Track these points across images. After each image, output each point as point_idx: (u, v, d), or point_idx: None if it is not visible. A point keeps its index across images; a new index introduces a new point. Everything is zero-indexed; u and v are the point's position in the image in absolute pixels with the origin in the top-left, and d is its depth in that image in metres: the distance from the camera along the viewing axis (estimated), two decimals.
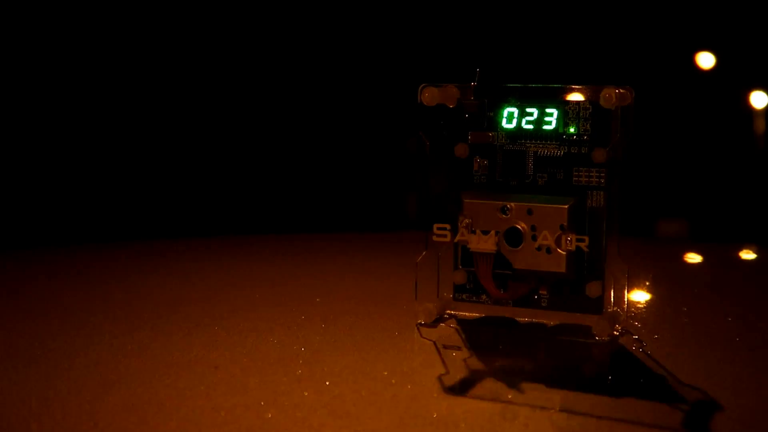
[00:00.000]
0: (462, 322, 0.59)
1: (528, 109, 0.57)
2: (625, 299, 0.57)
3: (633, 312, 0.62)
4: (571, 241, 0.54)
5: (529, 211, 0.55)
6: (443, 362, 0.52)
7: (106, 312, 0.64)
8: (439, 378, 0.49)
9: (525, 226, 0.55)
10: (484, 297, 0.59)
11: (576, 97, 0.56)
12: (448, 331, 0.58)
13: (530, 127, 0.57)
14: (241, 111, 1.41)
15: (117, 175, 1.33)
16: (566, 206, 0.55)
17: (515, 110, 0.58)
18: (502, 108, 0.58)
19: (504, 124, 0.58)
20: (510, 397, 0.47)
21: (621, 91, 0.54)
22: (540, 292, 0.58)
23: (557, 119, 0.57)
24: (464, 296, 0.60)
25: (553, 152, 0.57)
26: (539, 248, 0.55)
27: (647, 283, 0.74)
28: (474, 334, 0.58)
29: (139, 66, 1.35)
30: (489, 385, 0.49)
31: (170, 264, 0.84)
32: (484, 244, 0.55)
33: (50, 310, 0.65)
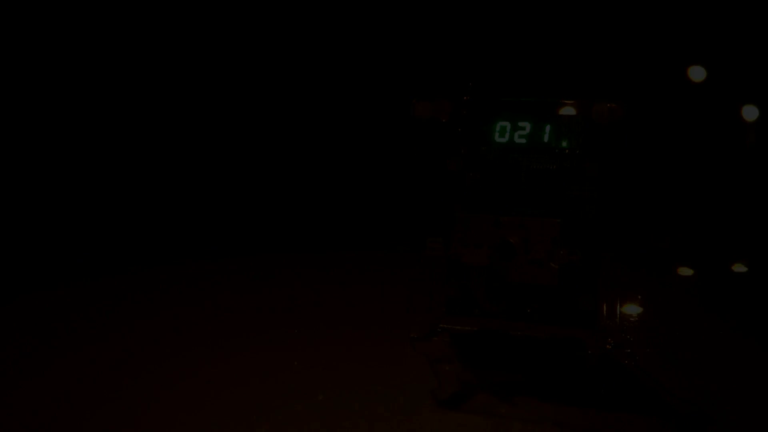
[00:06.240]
0: (455, 336, 0.59)
1: (521, 124, 0.57)
2: (618, 313, 0.57)
3: (625, 325, 0.62)
4: (563, 254, 0.54)
5: (522, 225, 0.55)
6: (436, 376, 0.52)
7: (97, 333, 0.64)
8: (432, 391, 0.49)
9: (517, 240, 0.55)
10: (476, 310, 0.59)
11: (568, 111, 0.56)
12: (440, 344, 0.58)
13: (523, 141, 0.58)
14: (229, 127, 1.42)
15: (98, 198, 1.33)
16: (558, 220, 0.55)
17: (508, 124, 0.58)
18: (495, 122, 0.58)
19: (497, 138, 0.58)
20: (503, 410, 0.47)
21: (613, 105, 0.54)
22: (533, 305, 0.58)
23: (550, 133, 0.57)
24: (457, 310, 0.60)
25: (546, 166, 0.57)
26: (532, 262, 0.55)
27: (639, 297, 0.74)
28: (467, 348, 0.58)
29: (123, 88, 1.35)
30: (482, 399, 0.49)
31: (159, 282, 0.84)
32: (476, 257, 0.56)
33: (40, 337, 0.65)
